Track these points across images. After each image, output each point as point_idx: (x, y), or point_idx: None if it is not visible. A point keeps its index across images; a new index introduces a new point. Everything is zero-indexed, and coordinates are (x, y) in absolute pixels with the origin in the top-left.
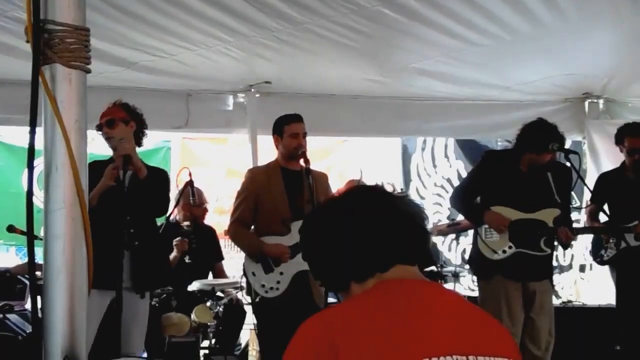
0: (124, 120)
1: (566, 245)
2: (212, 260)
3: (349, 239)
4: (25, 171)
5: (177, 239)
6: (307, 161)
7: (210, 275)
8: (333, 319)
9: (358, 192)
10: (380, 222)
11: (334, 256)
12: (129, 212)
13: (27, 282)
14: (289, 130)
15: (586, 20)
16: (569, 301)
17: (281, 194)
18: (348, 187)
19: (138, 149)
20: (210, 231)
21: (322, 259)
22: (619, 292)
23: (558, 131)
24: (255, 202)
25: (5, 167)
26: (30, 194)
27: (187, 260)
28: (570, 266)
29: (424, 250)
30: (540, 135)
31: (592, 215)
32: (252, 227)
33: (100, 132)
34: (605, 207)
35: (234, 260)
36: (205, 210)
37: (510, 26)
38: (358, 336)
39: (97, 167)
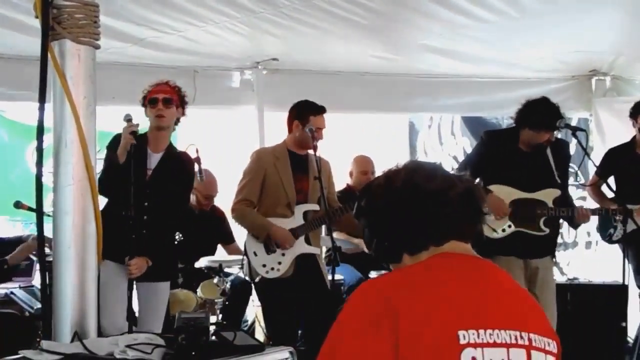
0: (176, 104)
1: (577, 226)
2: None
3: (408, 210)
4: (29, 148)
5: None
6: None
7: (224, 251)
8: (387, 284)
9: (417, 165)
10: (439, 196)
11: (391, 226)
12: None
13: (34, 258)
14: (315, 122)
15: None
16: (575, 278)
17: (288, 176)
18: (357, 164)
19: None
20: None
21: (378, 229)
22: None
23: (559, 111)
24: (262, 183)
25: (8, 143)
26: (39, 171)
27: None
28: (575, 243)
29: (478, 227)
30: (540, 113)
31: (598, 190)
32: (256, 208)
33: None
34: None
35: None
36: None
37: (518, 2)
38: (416, 299)
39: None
